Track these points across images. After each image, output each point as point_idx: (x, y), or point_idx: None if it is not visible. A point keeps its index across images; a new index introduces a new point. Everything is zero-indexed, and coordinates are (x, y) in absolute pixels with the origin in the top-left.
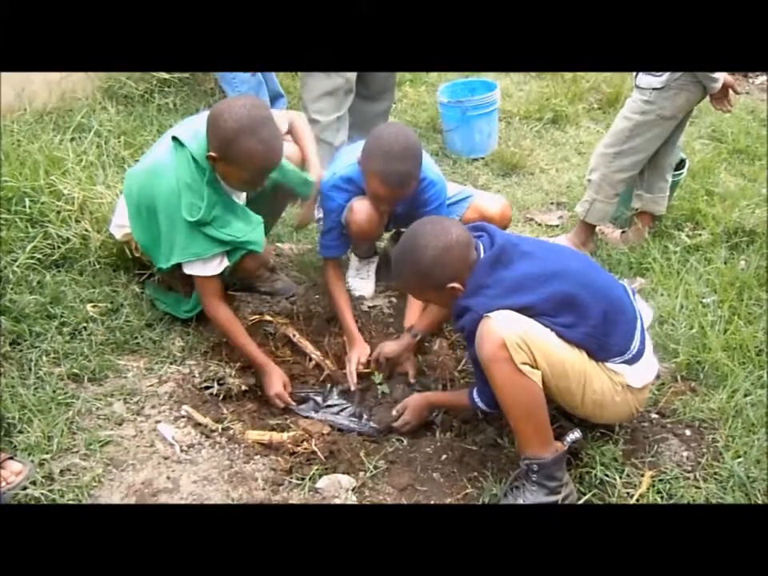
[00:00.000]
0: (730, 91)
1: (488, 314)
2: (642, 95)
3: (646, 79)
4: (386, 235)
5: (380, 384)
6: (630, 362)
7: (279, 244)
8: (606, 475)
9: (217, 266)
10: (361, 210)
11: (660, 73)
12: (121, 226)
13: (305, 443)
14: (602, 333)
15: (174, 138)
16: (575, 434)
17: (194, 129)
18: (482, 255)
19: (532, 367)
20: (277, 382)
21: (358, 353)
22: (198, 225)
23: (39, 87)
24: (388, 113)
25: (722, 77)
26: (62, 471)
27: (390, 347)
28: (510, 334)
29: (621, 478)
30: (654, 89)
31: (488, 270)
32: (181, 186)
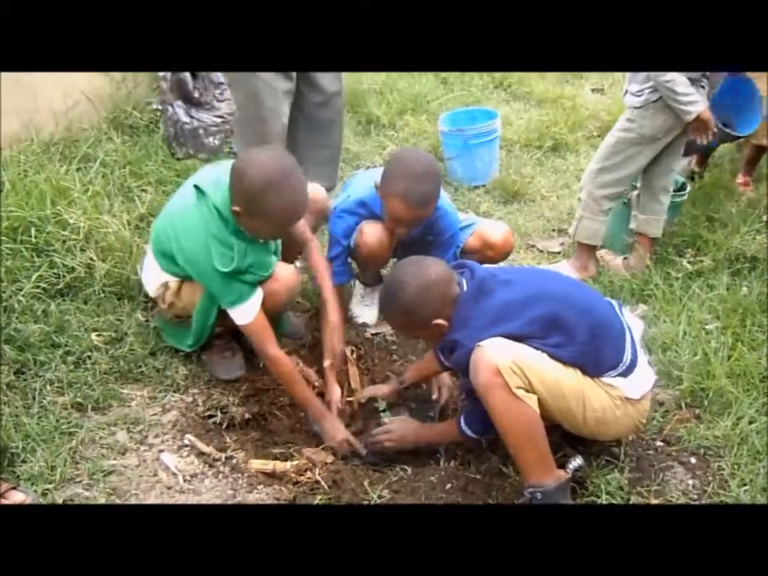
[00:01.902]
0: (708, 126)
1: (479, 344)
2: (626, 114)
3: (628, 99)
4: (392, 262)
5: (383, 411)
6: (625, 373)
7: None
8: (612, 504)
9: (254, 301)
10: (371, 232)
11: (639, 92)
12: (151, 279)
13: (308, 472)
14: (592, 349)
15: (196, 187)
16: (577, 461)
17: (215, 176)
18: (464, 290)
19: (527, 391)
20: (340, 429)
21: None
22: (233, 274)
23: (46, 118)
24: (342, 116)
25: (696, 111)
26: (65, 501)
27: (375, 390)
28: (502, 359)
29: None
30: (634, 107)
31: (471, 303)
32: (209, 237)
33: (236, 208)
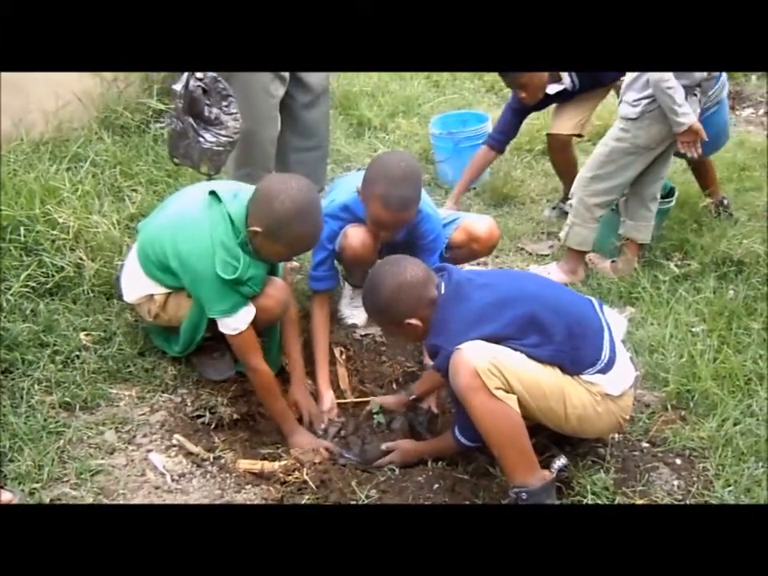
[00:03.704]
0: (699, 137)
1: (458, 347)
2: (620, 123)
3: (624, 109)
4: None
5: (376, 414)
6: (604, 370)
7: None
8: (597, 504)
9: (246, 315)
10: (355, 235)
11: (636, 102)
12: (133, 285)
13: (296, 472)
14: (570, 347)
15: (212, 193)
16: (561, 461)
17: (234, 189)
18: (442, 293)
19: (506, 392)
20: (310, 441)
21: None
22: (233, 283)
23: (36, 117)
24: (328, 116)
25: (688, 121)
26: (52, 501)
27: (382, 400)
28: (480, 361)
29: None
30: (629, 119)
31: (448, 307)
32: (215, 242)
33: (256, 228)
